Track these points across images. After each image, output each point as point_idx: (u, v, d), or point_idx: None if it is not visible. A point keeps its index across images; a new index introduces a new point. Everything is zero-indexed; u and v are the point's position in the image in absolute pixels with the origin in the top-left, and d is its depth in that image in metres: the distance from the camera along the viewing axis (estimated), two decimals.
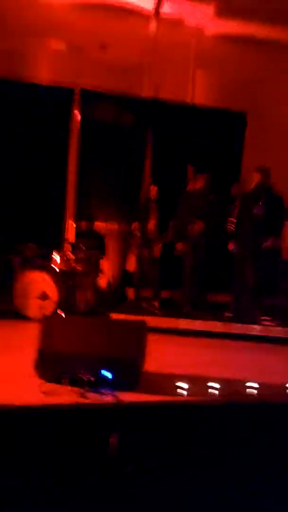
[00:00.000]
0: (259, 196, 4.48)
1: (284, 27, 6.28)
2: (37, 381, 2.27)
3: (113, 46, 6.35)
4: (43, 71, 6.22)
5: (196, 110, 6.52)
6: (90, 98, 6.15)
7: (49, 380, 2.26)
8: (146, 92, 6.52)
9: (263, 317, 4.35)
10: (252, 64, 6.49)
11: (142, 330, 2.46)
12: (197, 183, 5.09)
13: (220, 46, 6.65)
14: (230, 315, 4.49)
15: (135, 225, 5.24)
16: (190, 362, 3.09)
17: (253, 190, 4.64)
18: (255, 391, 2.33)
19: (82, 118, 6.16)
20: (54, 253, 4.80)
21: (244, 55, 6.51)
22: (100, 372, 2.24)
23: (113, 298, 5.46)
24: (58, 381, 2.24)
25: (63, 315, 3.97)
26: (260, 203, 4.39)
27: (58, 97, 6.07)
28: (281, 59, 6.54)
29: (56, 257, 4.78)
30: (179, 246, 4.90)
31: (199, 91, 6.69)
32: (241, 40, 6.51)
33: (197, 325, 4.19)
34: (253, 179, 4.70)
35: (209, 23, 6.49)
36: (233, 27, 6.49)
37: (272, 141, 6.26)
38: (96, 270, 5.11)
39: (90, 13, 6.13)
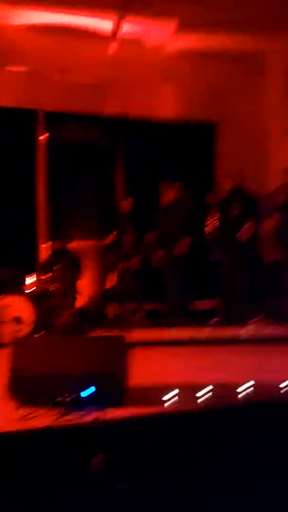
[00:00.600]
0: (233, 199, 4.52)
1: (246, 37, 6.43)
2: (12, 406, 2.08)
3: (74, 68, 6.39)
4: (4, 95, 6.17)
5: (164, 125, 6.60)
6: (54, 119, 6.13)
7: (25, 404, 2.07)
8: (112, 110, 6.55)
9: (252, 319, 4.31)
10: (217, 75, 6.61)
11: (120, 344, 2.32)
12: (169, 195, 5.07)
13: (183, 60, 6.74)
14: (218, 320, 4.43)
15: (111, 239, 5.15)
16: (178, 371, 2.94)
17: (227, 195, 4.69)
18: (247, 392, 2.22)
19: (49, 138, 6.12)
20: (27, 275, 4.63)
21: (208, 66, 6.62)
22: (80, 391, 2.08)
23: (92, 317, 5.28)
24: (34, 404, 2.05)
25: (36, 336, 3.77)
26: (234, 204, 4.42)
27: (22, 119, 6.02)
28: (245, 69, 6.71)
29: (30, 279, 4.61)
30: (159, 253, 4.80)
31: (165, 106, 6.78)
32: (204, 54, 6.61)
33: (184, 333, 4.07)
34: (226, 186, 4.75)
35: (171, 39, 6.60)
36: (195, 41, 6.56)
37: (243, 150, 6.37)
38: (72, 290, 4.94)
39: (49, 36, 6.16)
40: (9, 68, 6.15)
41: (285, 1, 5.45)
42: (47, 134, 6.10)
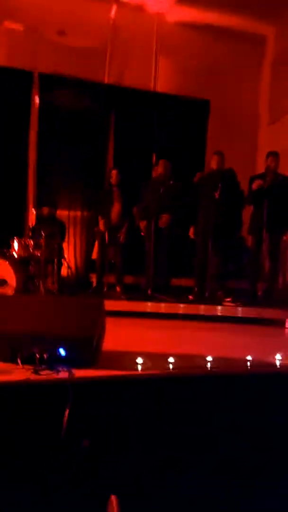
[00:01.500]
0: (217, 180, 4.53)
1: (243, 16, 6.39)
2: None
3: (72, 31, 6.21)
4: (1, 54, 6.00)
5: (159, 97, 6.51)
6: (49, 82, 5.99)
7: (1, 359, 2.16)
8: (108, 78, 6.45)
9: (226, 299, 4.42)
10: (213, 52, 6.56)
11: (99, 307, 2.40)
12: (158, 169, 5.08)
13: (181, 33, 6.67)
14: (193, 298, 4.54)
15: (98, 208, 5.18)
16: (152, 341, 3.08)
17: (210, 174, 4.70)
18: (215, 364, 2.34)
19: (41, 102, 5.99)
20: (13, 239, 4.65)
21: (205, 43, 6.56)
22: (55, 350, 2.16)
23: (77, 285, 5.37)
24: (10, 360, 2.14)
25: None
26: (219, 186, 4.43)
27: (17, 80, 5.87)
28: (241, 47, 6.65)
29: (16, 244, 4.63)
30: (143, 224, 4.87)
31: (161, 78, 6.68)
32: (202, 28, 6.56)
33: (161, 307, 4.19)
34: (211, 164, 4.77)
35: (171, 9, 6.49)
36: (194, 14, 6.53)
37: (233, 130, 6.36)
38: (58, 257, 4.98)
39: None
40: (5, 24, 5.94)
41: None
42: (39, 97, 5.97)
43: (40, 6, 5.97)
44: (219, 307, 4.17)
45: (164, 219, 4.81)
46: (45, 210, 5.38)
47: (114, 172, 5.27)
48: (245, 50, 6.71)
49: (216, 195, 4.44)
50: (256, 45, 6.74)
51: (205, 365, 2.34)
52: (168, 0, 6.38)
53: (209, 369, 2.31)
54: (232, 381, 2.26)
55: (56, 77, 5.98)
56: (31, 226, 5.37)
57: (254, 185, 4.45)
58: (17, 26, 5.98)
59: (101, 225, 5.15)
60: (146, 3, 6.46)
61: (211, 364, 2.35)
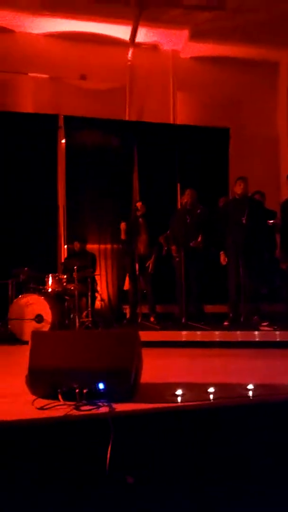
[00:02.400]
0: (244, 205, 4.55)
1: (256, 46, 6.59)
2: (30, 397, 2.21)
3: (93, 74, 6.60)
4: (28, 101, 6.42)
5: (179, 128, 6.69)
6: (74, 124, 6.31)
7: (42, 396, 2.20)
8: (129, 115, 6.74)
9: (262, 324, 4.32)
10: (229, 82, 6.76)
11: (134, 339, 2.40)
12: (183, 199, 5.17)
13: (197, 67, 6.95)
14: (228, 324, 4.47)
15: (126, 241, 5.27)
16: (189, 371, 3.03)
17: (236, 200, 4.73)
18: (256, 392, 2.28)
19: (67, 143, 6.31)
20: (48, 276, 4.80)
21: (220, 74, 6.80)
22: (94, 385, 2.18)
23: (111, 317, 5.41)
24: (51, 396, 2.18)
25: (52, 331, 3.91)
26: (246, 211, 4.45)
27: (44, 124, 6.23)
28: (255, 75, 6.82)
29: (50, 279, 4.77)
30: (175, 248, 4.90)
31: (180, 112, 6.92)
32: (217, 60, 6.82)
33: (196, 336, 4.13)
34: (235, 189, 4.80)
35: (184, 46, 6.81)
36: (207, 48, 6.82)
37: (254, 156, 6.45)
38: (91, 290, 5.08)
39: (69, 44, 6.42)
40: (32, 74, 6.40)
41: None
42: (66, 138, 6.29)
43: (62, 55, 6.42)
44: (256, 332, 4.07)
45: (199, 239, 4.81)
46: (77, 245, 5.54)
47: (139, 204, 5.40)
48: (260, 77, 6.89)
49: (244, 220, 4.45)
50: (270, 71, 6.91)
51: (247, 394, 2.29)
52: (181, 37, 6.69)
53: (250, 397, 2.25)
54: (275, 408, 2.19)
55: (80, 118, 6.31)
56: (62, 262, 5.52)
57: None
58: (42, 75, 6.43)
59: (130, 257, 5.23)
60: (161, 42, 6.82)
61: (252, 393, 2.29)
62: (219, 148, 6.58)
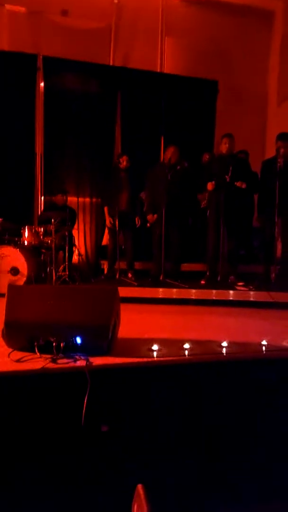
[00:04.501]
0: (228, 163, 4.45)
1: None
2: (7, 350, 2.19)
3: (76, 10, 6.08)
4: (4, 37, 5.90)
5: (166, 77, 6.37)
6: (54, 65, 5.88)
7: (18, 349, 2.19)
8: (113, 60, 6.33)
9: (238, 284, 4.40)
10: (221, 30, 6.39)
11: (114, 295, 2.39)
12: (166, 155, 5.00)
13: (188, 11, 6.50)
14: (205, 283, 4.53)
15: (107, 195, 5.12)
16: (166, 327, 3.08)
17: (221, 157, 4.62)
18: (230, 349, 2.34)
19: (46, 86, 5.90)
20: (24, 227, 4.65)
21: (212, 20, 6.39)
22: (71, 338, 2.18)
23: (88, 271, 5.38)
24: (27, 349, 2.16)
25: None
26: (230, 169, 4.36)
27: (21, 64, 5.77)
28: (249, 24, 6.46)
29: (26, 232, 4.63)
30: (150, 217, 4.87)
31: (168, 60, 6.55)
32: (209, 5, 6.38)
33: (173, 293, 4.18)
34: (221, 147, 4.67)
35: None
36: None
37: (242, 111, 6.24)
38: (68, 244, 4.99)
39: None
40: (9, 6, 5.84)
41: None
42: (44, 81, 5.87)
43: None
44: (232, 292, 4.15)
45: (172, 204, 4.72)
46: (59, 198, 5.34)
47: (124, 157, 5.18)
48: (253, 27, 6.53)
49: (228, 178, 4.37)
50: (264, 21, 6.55)
51: (220, 351, 2.34)
52: None
53: (224, 354, 2.31)
54: (247, 365, 2.26)
55: (60, 60, 5.86)
56: (40, 214, 5.35)
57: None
58: (19, 8, 5.87)
59: (110, 212, 5.12)
60: None
61: (226, 349, 2.36)
62: (206, 101, 6.33)
